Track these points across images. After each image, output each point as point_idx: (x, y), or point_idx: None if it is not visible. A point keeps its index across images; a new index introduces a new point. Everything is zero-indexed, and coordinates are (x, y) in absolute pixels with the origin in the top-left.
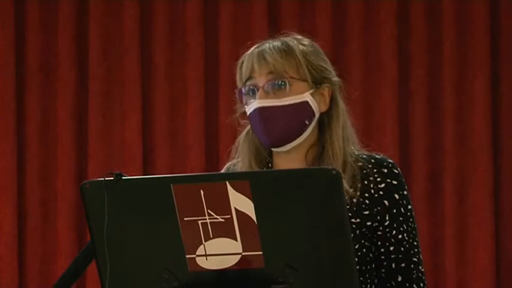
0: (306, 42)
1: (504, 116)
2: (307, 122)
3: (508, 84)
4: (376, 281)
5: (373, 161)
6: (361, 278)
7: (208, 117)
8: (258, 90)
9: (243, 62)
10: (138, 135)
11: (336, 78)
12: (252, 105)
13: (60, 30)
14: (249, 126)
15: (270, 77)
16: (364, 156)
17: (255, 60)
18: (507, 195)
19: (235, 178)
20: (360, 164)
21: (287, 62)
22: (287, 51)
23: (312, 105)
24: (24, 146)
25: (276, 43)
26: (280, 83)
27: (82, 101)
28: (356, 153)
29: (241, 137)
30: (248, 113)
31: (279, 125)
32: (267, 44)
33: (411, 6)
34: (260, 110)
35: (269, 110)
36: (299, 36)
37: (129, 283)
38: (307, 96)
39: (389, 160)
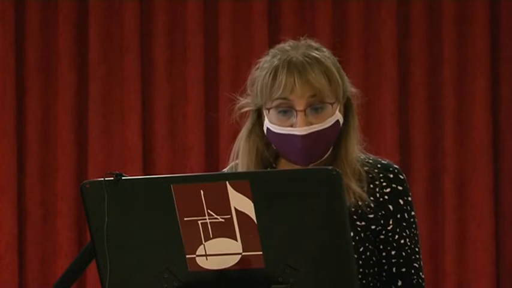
0: (333, 57)
1: (504, 116)
2: (335, 139)
3: (508, 84)
4: (378, 284)
5: (379, 165)
6: (364, 281)
7: (208, 117)
8: (297, 114)
9: (274, 75)
10: (138, 135)
11: (353, 89)
12: (291, 131)
13: (60, 30)
14: (246, 127)
15: (311, 100)
16: (370, 160)
17: (297, 80)
18: (507, 195)
19: (235, 178)
20: (366, 168)
21: (329, 87)
22: (328, 74)
23: (340, 122)
24: (24, 146)
25: (313, 62)
26: (322, 106)
27: (82, 101)
28: (362, 157)
29: (242, 138)
30: (276, 132)
31: (319, 147)
32: (304, 61)
33: (411, 6)
34: (304, 137)
35: (312, 135)
36: (324, 49)
37: (129, 283)
38: (338, 115)
39: (395, 166)
